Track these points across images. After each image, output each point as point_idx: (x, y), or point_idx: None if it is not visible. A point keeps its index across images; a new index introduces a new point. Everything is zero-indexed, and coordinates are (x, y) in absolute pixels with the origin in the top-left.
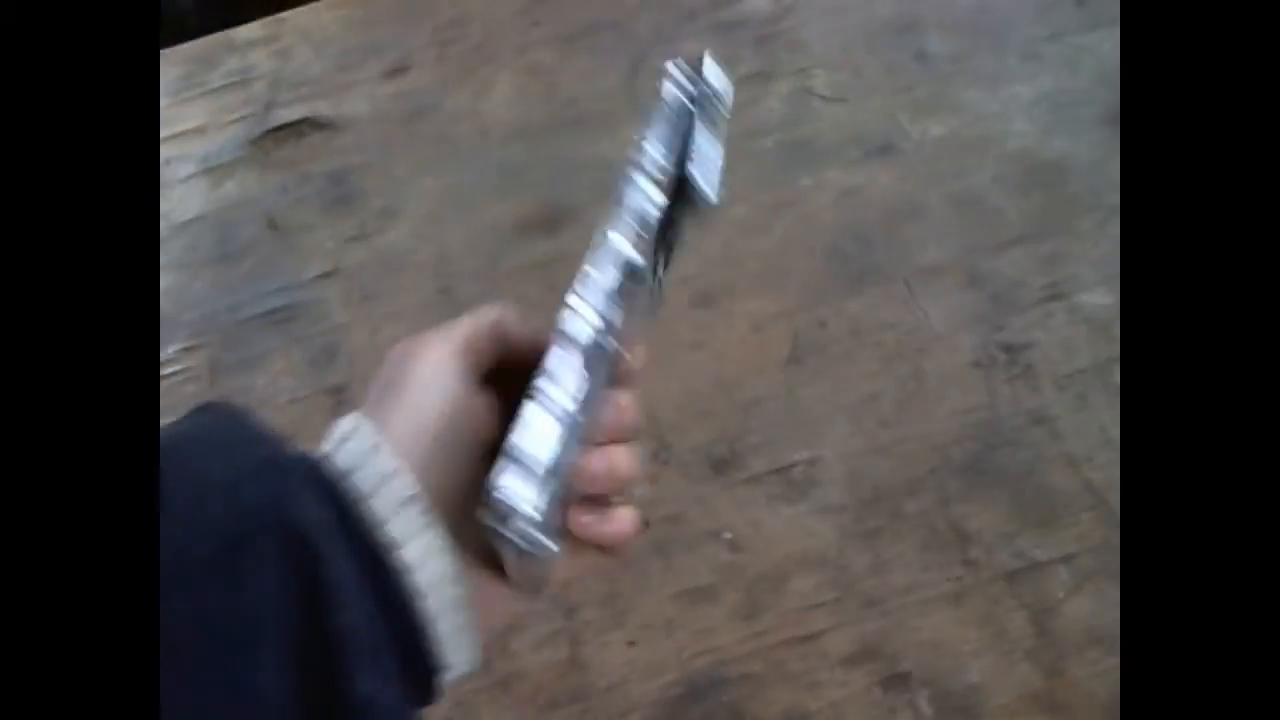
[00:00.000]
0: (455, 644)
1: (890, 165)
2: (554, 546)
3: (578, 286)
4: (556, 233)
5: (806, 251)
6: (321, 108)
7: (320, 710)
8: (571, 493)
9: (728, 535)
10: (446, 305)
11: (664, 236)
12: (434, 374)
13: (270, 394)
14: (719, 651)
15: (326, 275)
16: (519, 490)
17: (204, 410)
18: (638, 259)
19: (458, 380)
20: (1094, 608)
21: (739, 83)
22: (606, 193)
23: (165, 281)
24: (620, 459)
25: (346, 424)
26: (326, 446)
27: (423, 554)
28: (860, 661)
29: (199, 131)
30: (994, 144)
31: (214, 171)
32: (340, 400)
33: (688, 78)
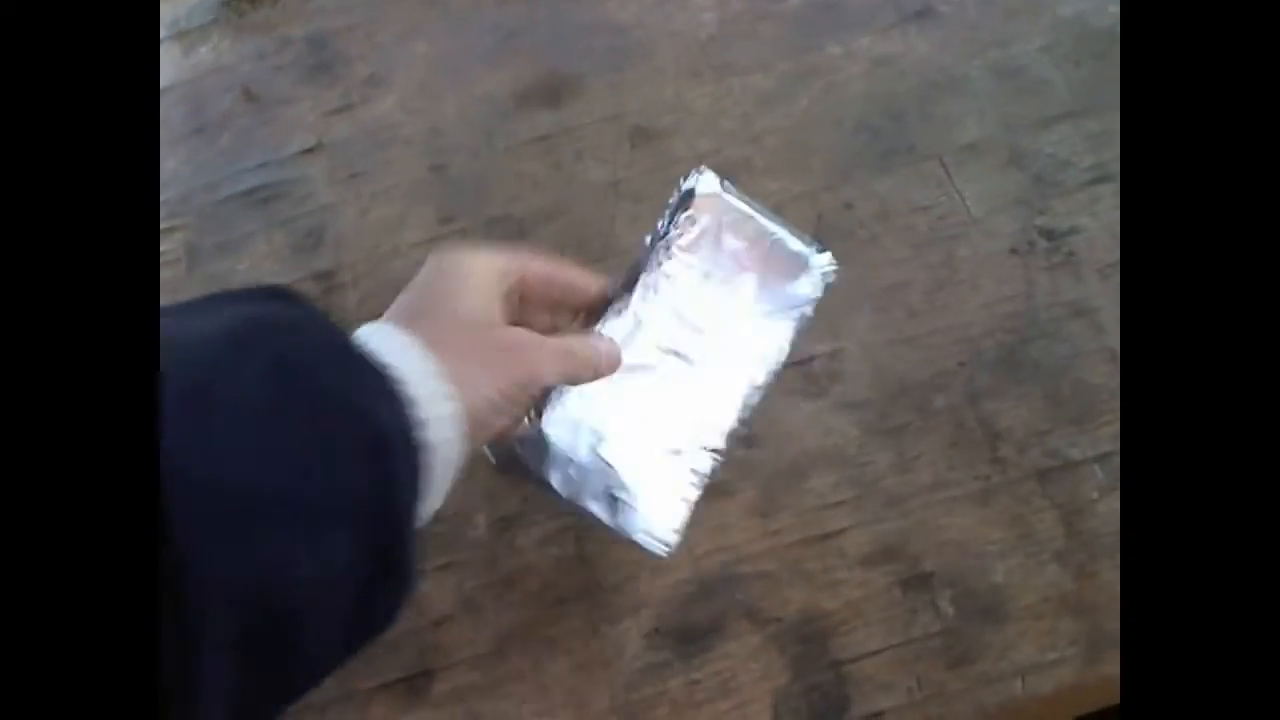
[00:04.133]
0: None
1: (928, 32)
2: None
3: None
4: (558, 104)
5: (833, 126)
6: None
7: (378, 571)
8: None
9: (744, 430)
10: (439, 183)
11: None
12: (476, 291)
13: (253, 279)
14: (733, 549)
15: (309, 151)
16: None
17: (272, 296)
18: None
19: (495, 303)
20: None
21: None
22: (612, 60)
23: None
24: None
25: (398, 338)
26: (381, 351)
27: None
28: (880, 561)
29: None
30: (1043, 9)
31: (185, 36)
32: (329, 287)
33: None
